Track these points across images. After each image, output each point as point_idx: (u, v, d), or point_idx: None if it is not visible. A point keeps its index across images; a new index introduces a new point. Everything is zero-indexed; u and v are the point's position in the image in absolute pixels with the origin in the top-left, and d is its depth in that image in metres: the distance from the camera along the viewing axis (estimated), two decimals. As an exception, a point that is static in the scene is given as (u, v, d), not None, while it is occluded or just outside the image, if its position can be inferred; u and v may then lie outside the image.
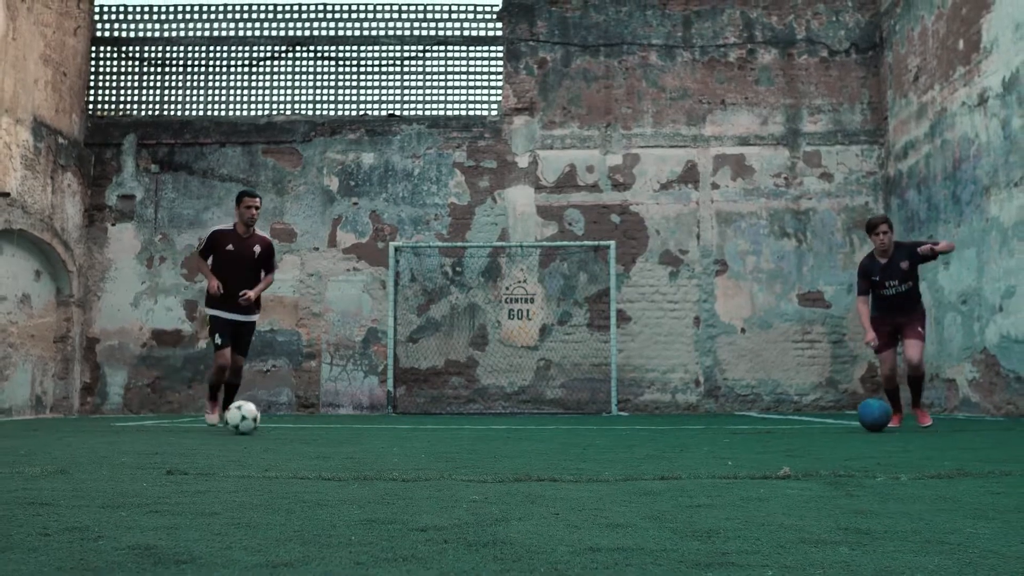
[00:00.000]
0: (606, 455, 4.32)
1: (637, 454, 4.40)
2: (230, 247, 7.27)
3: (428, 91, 14.06)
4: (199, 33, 14.20)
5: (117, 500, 2.52)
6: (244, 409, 6.48)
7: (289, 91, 14.07)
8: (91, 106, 13.98)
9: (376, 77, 14.09)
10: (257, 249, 7.44)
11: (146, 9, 14.32)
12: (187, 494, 2.66)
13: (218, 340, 7.27)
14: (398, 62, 14.10)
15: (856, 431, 6.98)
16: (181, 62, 14.15)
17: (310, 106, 14.03)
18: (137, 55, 14.18)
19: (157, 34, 14.22)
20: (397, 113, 13.97)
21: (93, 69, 14.07)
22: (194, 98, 14.09)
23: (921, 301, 7.77)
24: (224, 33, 14.20)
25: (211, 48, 14.16)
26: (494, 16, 14.09)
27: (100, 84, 14.10)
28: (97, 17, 14.21)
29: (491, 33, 14.08)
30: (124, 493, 2.69)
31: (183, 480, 3.06)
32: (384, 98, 14.06)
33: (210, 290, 7.14)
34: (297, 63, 14.13)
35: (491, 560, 1.61)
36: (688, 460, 4.00)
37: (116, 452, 4.53)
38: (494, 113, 13.91)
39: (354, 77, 14.10)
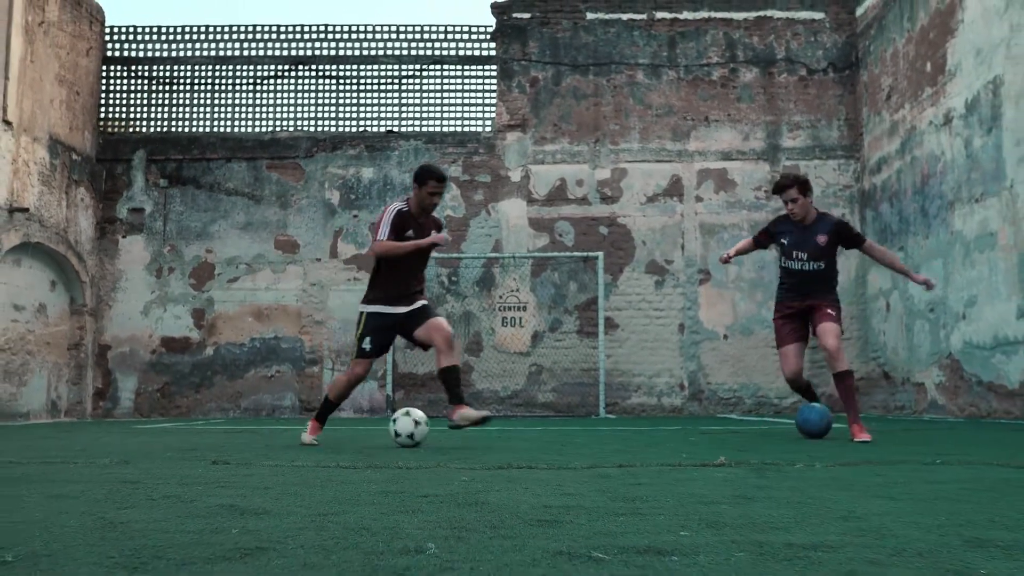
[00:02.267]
0: (581, 450, 5.00)
1: (607, 449, 5.08)
2: (410, 233, 5.80)
3: (425, 108, 14.71)
4: (205, 53, 14.85)
5: (186, 480, 3.19)
6: (415, 414, 5.52)
7: (292, 108, 14.72)
8: (102, 123, 14.61)
9: (375, 95, 14.75)
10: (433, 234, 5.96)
11: (155, 30, 14.96)
12: (237, 476, 3.34)
13: (367, 345, 5.72)
14: (396, 80, 14.76)
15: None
16: (188, 80, 14.80)
17: (312, 123, 14.68)
18: (146, 74, 14.82)
19: (165, 54, 14.86)
20: (395, 129, 14.62)
21: (104, 88, 14.71)
22: (201, 115, 14.74)
23: (836, 291, 6.48)
24: (229, 53, 14.84)
25: (217, 67, 14.81)
26: (488, 36, 14.75)
27: (111, 102, 14.74)
28: (108, 38, 14.84)
29: (485, 53, 14.73)
30: (188, 476, 3.36)
31: (227, 468, 3.73)
32: (383, 115, 14.71)
33: (443, 239, 5.78)
34: (299, 81, 14.78)
35: (473, 512, 2.28)
36: (649, 454, 4.67)
37: (159, 448, 5.21)
38: (488, 129, 14.57)
39: (354, 95, 14.76)
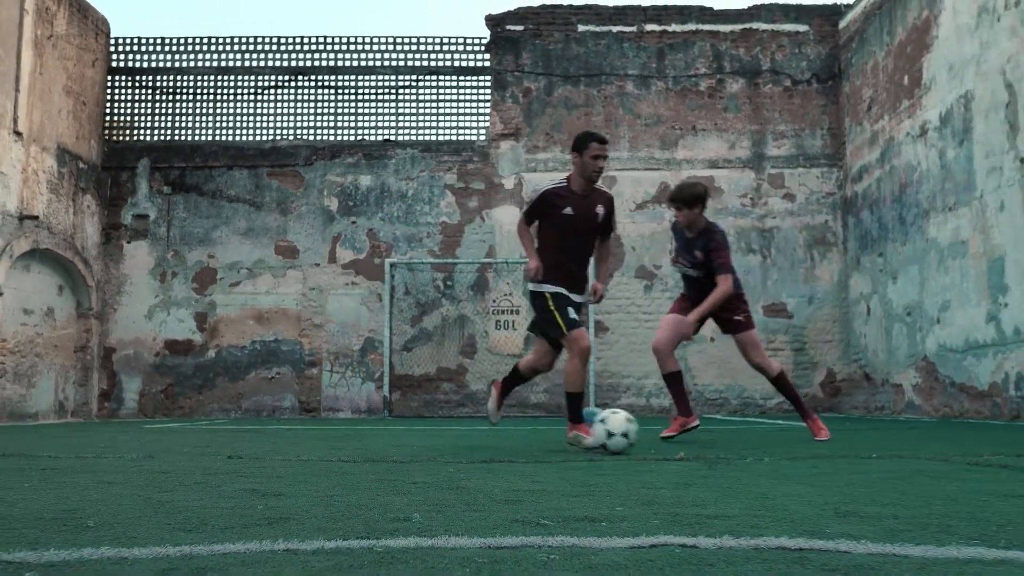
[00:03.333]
0: (562, 447, 5.46)
1: (586, 446, 5.54)
2: (568, 210, 5.46)
3: (421, 118, 15.17)
4: (208, 63, 15.30)
5: (209, 471, 3.67)
6: (612, 423, 4.93)
7: (292, 117, 15.18)
8: (108, 132, 15.06)
9: (373, 105, 15.21)
10: (600, 210, 5.58)
11: (158, 41, 15.41)
12: (251, 468, 3.81)
13: (572, 314, 5.41)
14: (393, 90, 15.22)
15: (786, 430, 8.11)
16: (191, 90, 15.25)
17: (311, 131, 15.14)
18: (150, 84, 15.27)
19: (168, 64, 15.31)
20: (392, 138, 15.08)
21: (109, 97, 15.16)
22: (203, 124, 15.19)
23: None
24: (231, 63, 15.30)
25: (219, 77, 15.26)
26: (482, 48, 15.21)
27: (116, 111, 15.19)
28: (113, 49, 15.29)
29: (479, 64, 15.20)
30: (209, 468, 3.84)
31: (242, 462, 4.20)
32: (380, 124, 15.17)
33: (530, 270, 5.47)
34: (299, 91, 15.23)
35: (453, 494, 2.75)
36: (623, 449, 5.14)
37: (175, 445, 5.68)
38: (482, 138, 15.03)
39: (352, 105, 15.21)
